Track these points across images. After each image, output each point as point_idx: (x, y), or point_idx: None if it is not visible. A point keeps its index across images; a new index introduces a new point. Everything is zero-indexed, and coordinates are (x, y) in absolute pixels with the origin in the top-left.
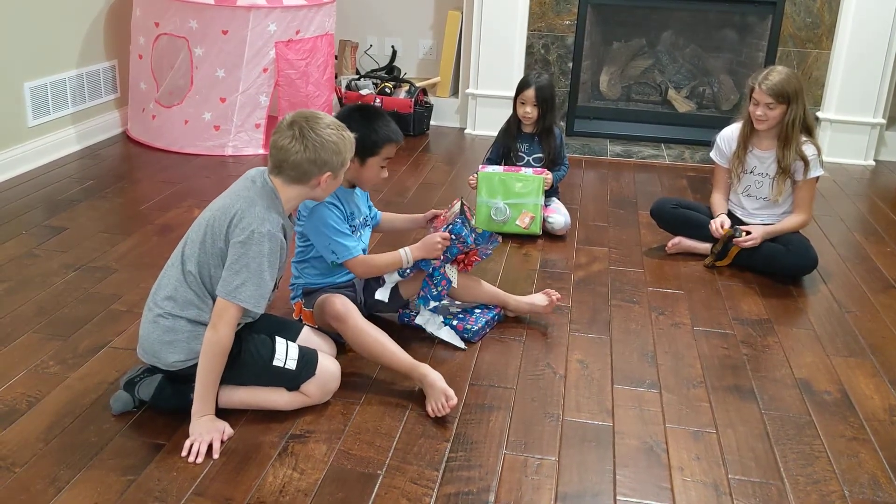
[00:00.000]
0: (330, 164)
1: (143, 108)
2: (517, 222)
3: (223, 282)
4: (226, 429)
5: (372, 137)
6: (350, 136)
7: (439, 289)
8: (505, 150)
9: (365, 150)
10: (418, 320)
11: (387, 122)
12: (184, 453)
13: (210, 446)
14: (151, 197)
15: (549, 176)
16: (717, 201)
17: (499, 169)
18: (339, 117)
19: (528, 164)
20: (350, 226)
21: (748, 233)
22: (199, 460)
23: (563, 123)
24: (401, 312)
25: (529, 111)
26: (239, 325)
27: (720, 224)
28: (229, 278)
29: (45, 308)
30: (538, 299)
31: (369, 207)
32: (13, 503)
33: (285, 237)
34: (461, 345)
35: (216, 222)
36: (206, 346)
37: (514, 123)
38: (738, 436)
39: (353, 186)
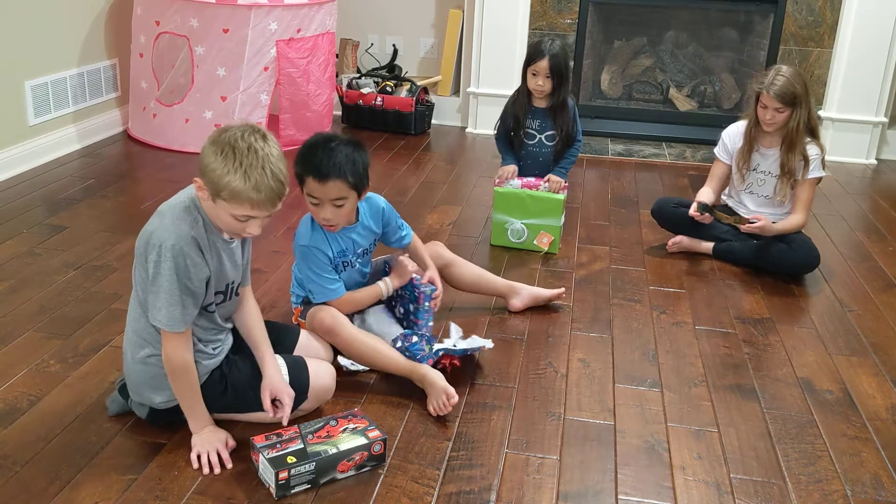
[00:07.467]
0: (202, 169)
1: (144, 107)
2: (535, 242)
3: (148, 305)
4: (228, 439)
5: (304, 158)
6: (245, 155)
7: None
8: (513, 124)
9: (295, 167)
10: (437, 347)
11: (336, 155)
12: (195, 467)
13: (220, 456)
14: (152, 196)
15: (565, 191)
16: (703, 192)
17: (517, 184)
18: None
19: (539, 143)
20: (342, 262)
21: (750, 223)
22: (217, 471)
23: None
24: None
25: (542, 83)
26: (217, 347)
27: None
28: (150, 301)
29: (45, 307)
30: (542, 290)
31: (396, 227)
32: (14, 502)
33: (203, 250)
34: (488, 344)
35: (138, 245)
36: (166, 372)
37: (523, 95)
38: (739, 435)
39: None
